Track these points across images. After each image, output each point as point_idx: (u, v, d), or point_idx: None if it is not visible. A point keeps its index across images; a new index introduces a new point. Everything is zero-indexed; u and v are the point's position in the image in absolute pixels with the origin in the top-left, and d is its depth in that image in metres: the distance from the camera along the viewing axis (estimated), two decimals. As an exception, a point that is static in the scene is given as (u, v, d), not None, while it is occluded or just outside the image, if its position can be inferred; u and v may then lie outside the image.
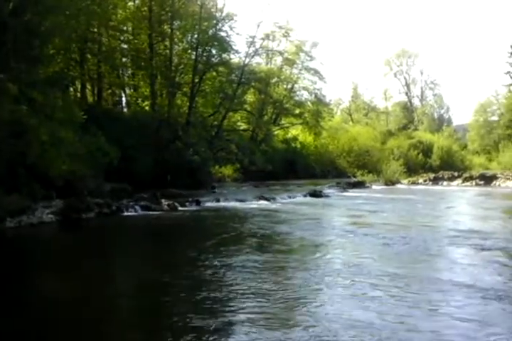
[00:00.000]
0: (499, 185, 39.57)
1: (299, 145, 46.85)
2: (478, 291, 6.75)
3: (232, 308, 6.11)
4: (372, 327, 5.40)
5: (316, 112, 47.76)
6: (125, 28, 29.20)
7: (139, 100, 30.69)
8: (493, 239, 11.07)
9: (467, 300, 6.36)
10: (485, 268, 8.37)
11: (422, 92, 74.08)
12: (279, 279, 7.56)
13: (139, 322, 6.15)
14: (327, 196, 25.10)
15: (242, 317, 5.76)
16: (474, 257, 9.34)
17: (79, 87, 27.66)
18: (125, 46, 29.27)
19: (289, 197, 23.32)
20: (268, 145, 40.76)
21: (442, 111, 73.91)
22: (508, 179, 40.30)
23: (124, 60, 29.53)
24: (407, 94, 73.65)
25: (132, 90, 30.96)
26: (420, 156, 55.14)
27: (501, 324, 5.62)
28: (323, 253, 9.87)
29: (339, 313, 5.89)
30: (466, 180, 41.84)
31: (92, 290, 7.23)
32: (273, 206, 19.85)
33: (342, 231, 13.02)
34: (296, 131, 48.64)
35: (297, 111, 47.85)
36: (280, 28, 45.98)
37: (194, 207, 18.47)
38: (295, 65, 48.80)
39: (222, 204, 19.92)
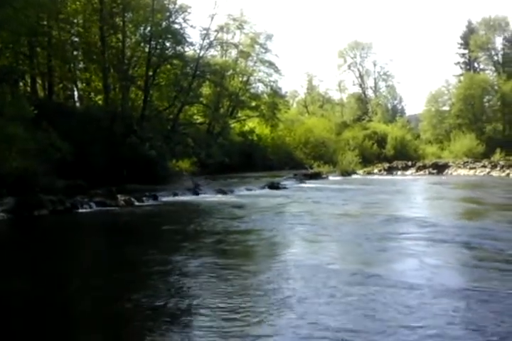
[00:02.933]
0: (451, 174, 40.74)
1: (255, 138, 46.85)
2: (449, 294, 6.51)
3: (187, 319, 5.81)
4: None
5: (272, 104, 47.78)
6: (76, 21, 28.55)
7: (92, 94, 30.14)
8: (452, 233, 11.12)
9: (435, 305, 6.12)
10: (448, 266, 8.34)
11: (376, 84, 75.23)
12: (237, 284, 7.08)
13: (89, 328, 5.87)
14: (285, 188, 25.27)
15: (194, 327, 5.50)
16: (439, 254, 9.18)
17: (29, 81, 26.89)
18: (76, 39, 28.63)
19: (247, 190, 23.37)
20: (225, 138, 40.55)
21: (395, 102, 75.39)
22: (459, 167, 41.53)
23: (75, 53, 28.92)
24: (361, 85, 74.60)
25: (84, 84, 30.31)
26: (375, 147, 56.03)
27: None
28: (281, 253, 9.60)
29: (298, 324, 5.52)
30: (419, 169, 42.90)
31: (39, 292, 7.00)
32: (231, 199, 19.85)
33: (301, 226, 12.76)
34: (253, 124, 48.60)
35: (253, 103, 47.75)
36: (234, 20, 45.81)
37: (151, 202, 18.31)
38: (250, 58, 48.69)
39: (179, 198, 19.81)
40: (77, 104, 30.17)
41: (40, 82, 27.60)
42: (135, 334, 5.49)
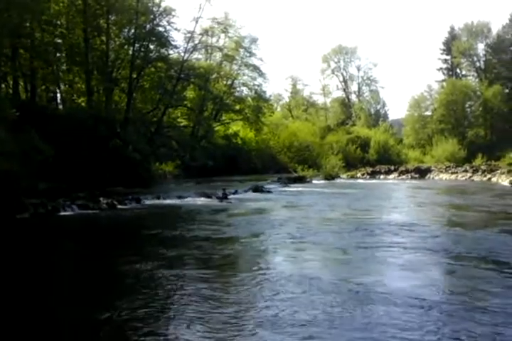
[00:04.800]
0: (433, 178, 41.11)
1: (240, 141, 46.88)
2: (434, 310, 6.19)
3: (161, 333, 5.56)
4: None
5: (257, 108, 47.85)
6: (59, 23, 28.33)
7: (75, 96, 29.95)
8: (439, 241, 11.01)
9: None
10: (434, 276, 8.08)
11: (359, 88, 75.75)
12: (218, 297, 6.76)
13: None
14: (269, 191, 25.20)
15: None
16: (421, 263, 8.84)
17: (11, 83, 26.62)
18: (59, 41, 28.42)
19: (232, 194, 23.23)
20: (209, 141, 40.53)
21: (378, 107, 75.90)
22: (441, 172, 41.92)
23: (58, 55, 28.71)
24: (344, 90, 75.10)
25: (67, 86, 30.12)
26: (358, 151, 56.31)
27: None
28: (264, 262, 9.24)
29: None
30: (402, 173, 43.21)
31: (13, 298, 6.87)
32: (215, 203, 19.75)
33: (285, 232, 12.27)
34: (237, 127, 48.68)
35: (237, 107, 47.81)
36: (219, 23, 45.79)
37: (134, 205, 18.16)
38: (234, 61, 48.74)
39: (162, 201, 19.66)
40: (60, 106, 29.94)
41: (22, 83, 27.36)
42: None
